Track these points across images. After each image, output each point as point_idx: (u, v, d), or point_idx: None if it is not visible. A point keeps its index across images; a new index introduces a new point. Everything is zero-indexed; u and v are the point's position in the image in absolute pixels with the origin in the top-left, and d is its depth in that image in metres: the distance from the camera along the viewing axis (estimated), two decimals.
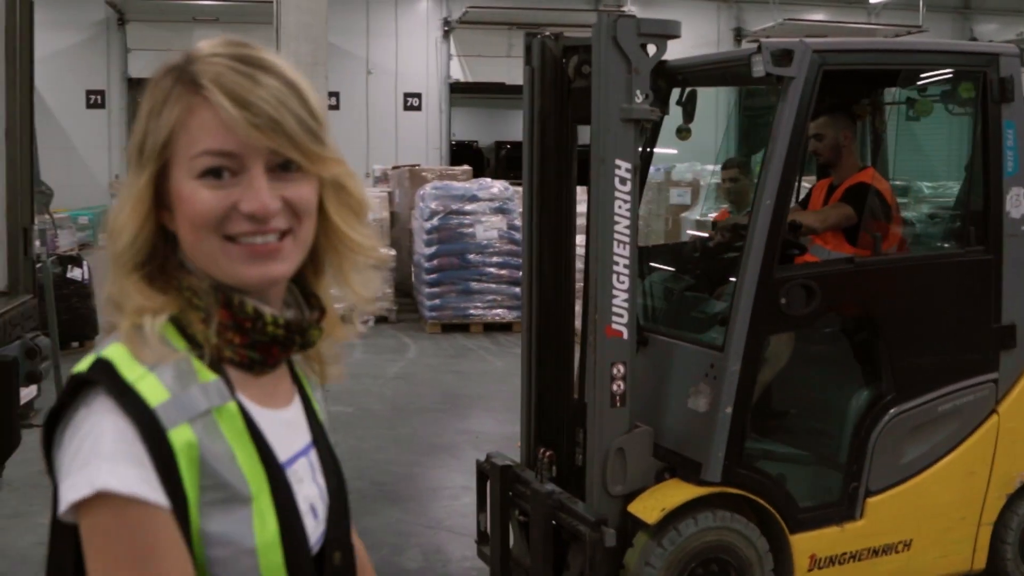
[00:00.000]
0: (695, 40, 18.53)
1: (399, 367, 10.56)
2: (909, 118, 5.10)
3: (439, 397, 9.26)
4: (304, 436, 1.45)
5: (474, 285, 12.16)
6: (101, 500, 1.20)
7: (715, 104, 6.26)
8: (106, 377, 1.25)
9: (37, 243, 6.73)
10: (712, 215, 7.48)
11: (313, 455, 1.45)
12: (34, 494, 5.88)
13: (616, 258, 4.18)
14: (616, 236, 4.18)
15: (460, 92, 21.82)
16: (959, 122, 4.86)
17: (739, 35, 21.67)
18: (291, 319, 1.38)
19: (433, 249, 12.15)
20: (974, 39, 23.31)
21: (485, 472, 4.78)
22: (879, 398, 4.43)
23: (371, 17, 20.65)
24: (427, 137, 21.07)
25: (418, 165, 14.52)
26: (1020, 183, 4.58)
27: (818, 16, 21.51)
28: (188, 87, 1.31)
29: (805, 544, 4.29)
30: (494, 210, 12.28)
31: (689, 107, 4.90)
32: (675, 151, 8.39)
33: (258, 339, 1.36)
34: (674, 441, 4.32)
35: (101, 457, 1.21)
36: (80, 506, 1.21)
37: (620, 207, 4.19)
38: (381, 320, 12.59)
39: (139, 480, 1.21)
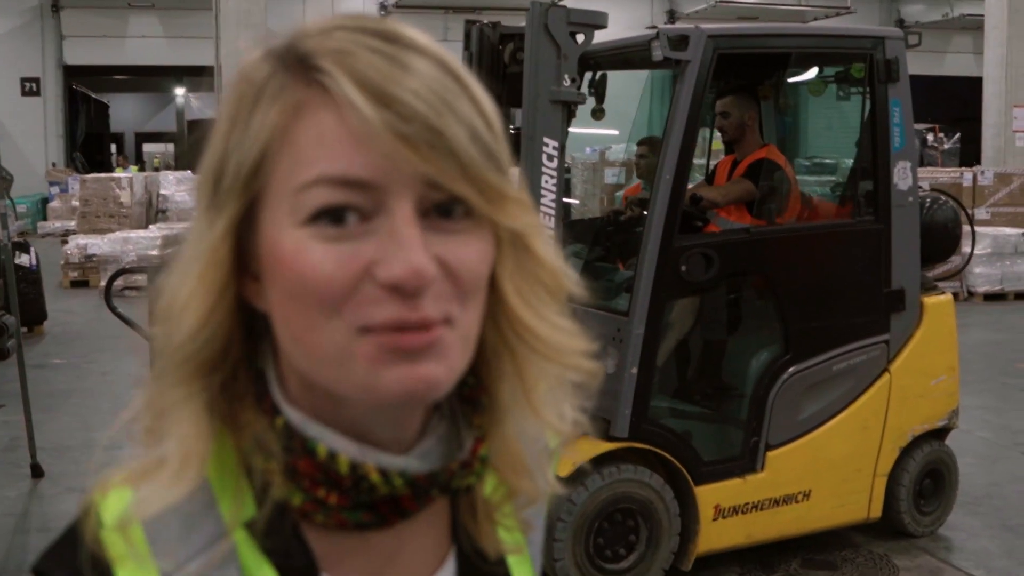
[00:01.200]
0: (629, 23, 18.87)
1: None
2: (808, 96, 5.42)
3: None
4: None
5: None
6: None
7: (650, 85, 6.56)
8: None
9: None
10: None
11: None
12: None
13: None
14: (543, 209, 4.47)
15: None
16: (853, 101, 5.18)
17: (672, 18, 22.01)
18: (418, 475, 0.83)
19: None
20: (901, 20, 23.89)
21: None
22: (777, 359, 4.74)
23: (308, 3, 20.75)
24: None
25: None
26: (906, 157, 4.91)
27: None
28: (295, 74, 0.79)
29: (710, 495, 4.60)
30: None
31: (600, 89, 5.17)
32: (615, 132, 8.65)
33: (364, 500, 0.83)
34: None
35: None
36: None
37: (547, 182, 4.48)
38: None
39: None
